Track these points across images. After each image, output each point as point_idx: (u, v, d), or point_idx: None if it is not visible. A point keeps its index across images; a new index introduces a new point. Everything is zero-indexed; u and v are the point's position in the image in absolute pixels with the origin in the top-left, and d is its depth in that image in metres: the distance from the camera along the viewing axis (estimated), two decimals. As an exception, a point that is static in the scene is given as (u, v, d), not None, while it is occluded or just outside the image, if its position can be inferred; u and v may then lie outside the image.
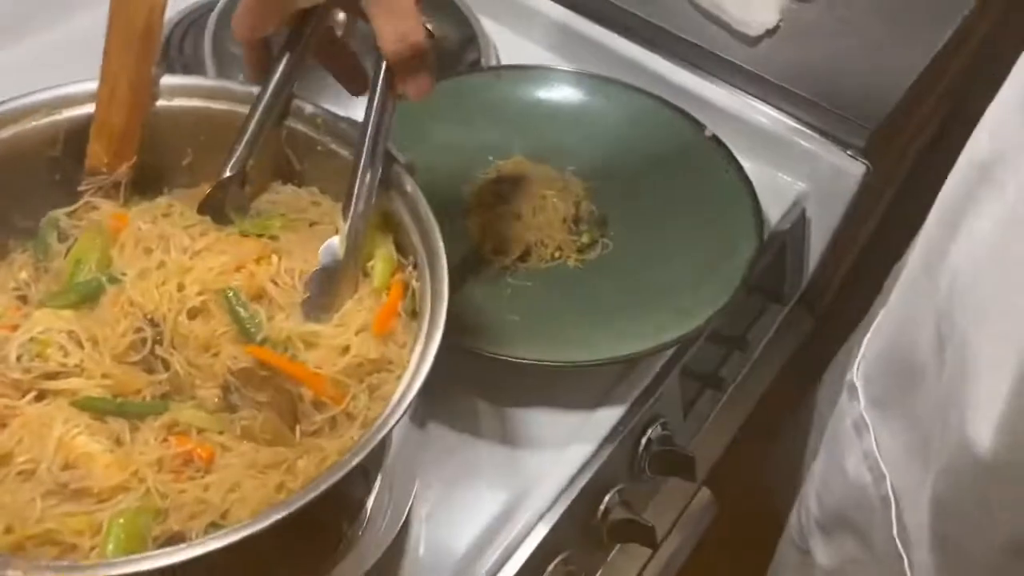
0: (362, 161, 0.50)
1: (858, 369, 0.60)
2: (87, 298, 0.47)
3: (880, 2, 0.82)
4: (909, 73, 0.77)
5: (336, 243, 0.50)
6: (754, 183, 0.74)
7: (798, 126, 0.76)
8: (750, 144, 0.77)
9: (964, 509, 0.45)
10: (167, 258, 0.48)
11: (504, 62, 0.85)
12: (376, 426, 0.42)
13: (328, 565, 0.50)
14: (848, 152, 0.75)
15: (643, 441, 0.64)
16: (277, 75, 0.52)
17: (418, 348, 0.46)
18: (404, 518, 0.55)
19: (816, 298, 0.84)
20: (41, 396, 0.44)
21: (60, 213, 0.51)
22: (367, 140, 0.50)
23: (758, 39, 0.79)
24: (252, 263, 0.49)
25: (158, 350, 0.47)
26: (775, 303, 0.77)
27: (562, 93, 0.77)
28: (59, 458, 0.42)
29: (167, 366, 0.47)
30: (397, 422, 0.42)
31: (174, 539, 0.41)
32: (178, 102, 0.53)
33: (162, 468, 0.44)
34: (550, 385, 0.63)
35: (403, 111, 0.73)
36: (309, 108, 0.54)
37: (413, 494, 0.56)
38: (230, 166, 0.51)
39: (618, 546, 0.66)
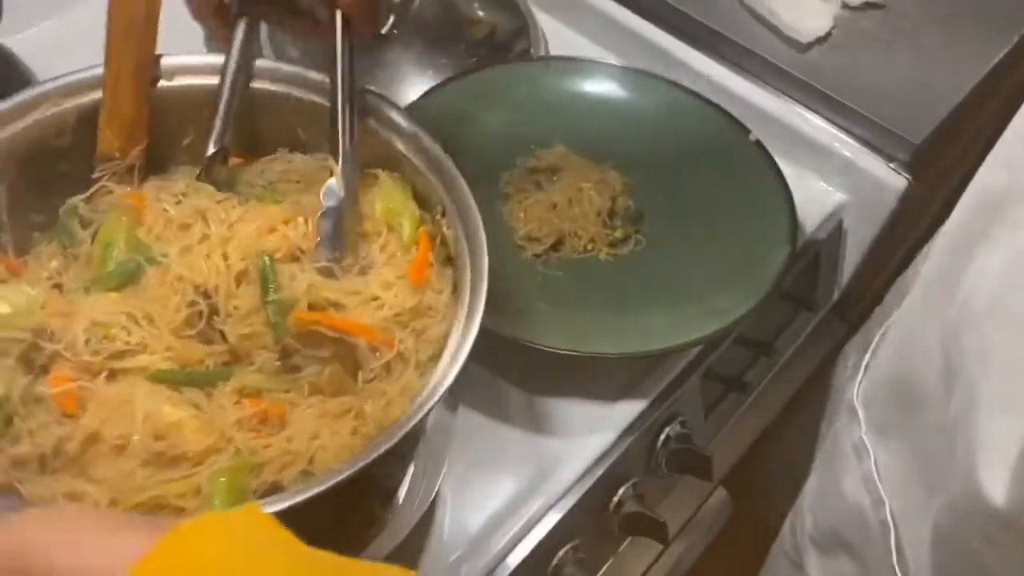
0: (339, 98, 0.51)
1: (858, 391, 0.60)
2: (129, 280, 0.48)
3: (936, 13, 0.81)
4: (961, 87, 0.76)
5: (334, 184, 0.51)
6: (793, 190, 0.75)
7: (842, 135, 0.76)
8: (792, 150, 0.77)
9: (969, 548, 0.44)
10: (208, 231, 0.49)
11: (553, 51, 0.85)
12: (432, 386, 0.44)
13: (364, 541, 0.52)
14: (891, 165, 0.75)
15: (661, 437, 0.65)
16: (237, 42, 0.53)
17: (458, 328, 0.47)
18: (432, 498, 0.57)
19: (849, 308, 0.84)
20: (112, 376, 0.45)
21: (77, 200, 0.51)
22: (339, 78, 0.51)
23: (808, 46, 0.79)
24: (282, 226, 0.50)
25: (215, 321, 0.48)
26: (806, 310, 0.77)
27: (608, 87, 0.77)
28: (149, 429, 0.43)
29: (224, 336, 0.48)
30: (453, 379, 0.44)
31: (272, 489, 0.44)
32: (179, 81, 0.53)
33: (242, 428, 0.46)
34: (574, 374, 0.64)
35: (451, 95, 0.75)
36: (314, 75, 0.54)
37: (442, 475, 0.58)
38: (212, 142, 0.52)
39: (629, 539, 0.67)
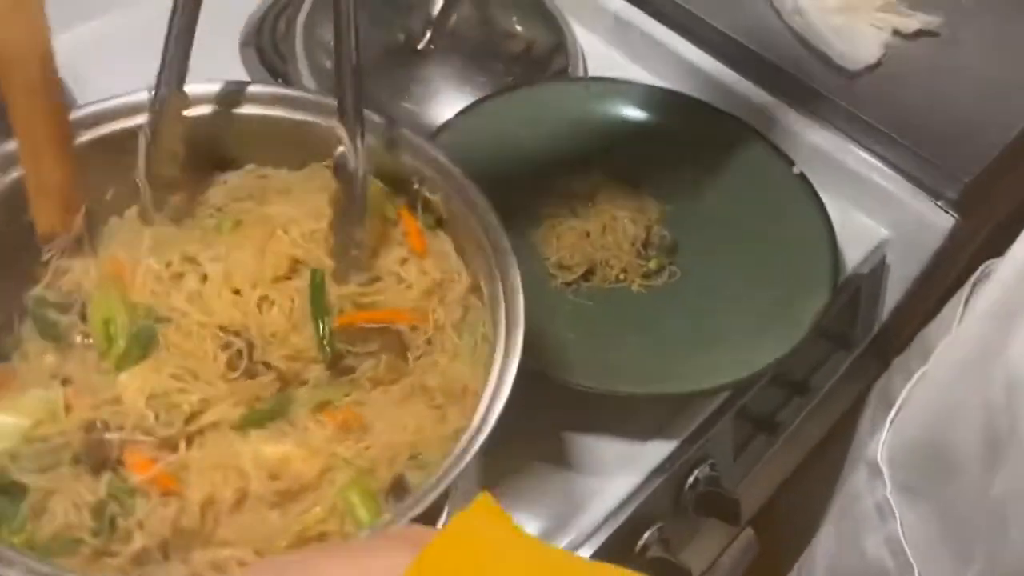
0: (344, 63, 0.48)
1: (883, 448, 0.58)
2: (148, 347, 0.46)
3: (993, 46, 0.78)
4: (1015, 123, 0.74)
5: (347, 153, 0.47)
6: (835, 223, 0.72)
7: (888, 170, 0.73)
8: (836, 182, 0.75)
9: None
10: (205, 270, 0.48)
11: (591, 71, 0.83)
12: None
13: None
14: (938, 203, 0.72)
15: (689, 480, 0.63)
16: None
17: (495, 369, 0.46)
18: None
19: (887, 345, 0.81)
20: (189, 441, 0.44)
21: (39, 290, 0.48)
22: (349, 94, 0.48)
23: (857, 75, 0.76)
24: (268, 244, 0.49)
25: (256, 355, 0.47)
26: (842, 349, 0.75)
27: (648, 110, 0.75)
28: (264, 473, 0.43)
29: (268, 366, 0.47)
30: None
31: (396, 482, 0.44)
32: (88, 136, 0.49)
33: (338, 441, 0.45)
34: (603, 410, 0.62)
35: (487, 114, 0.73)
36: (254, 88, 0.53)
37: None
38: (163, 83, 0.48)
39: (652, 582, 0.65)
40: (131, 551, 0.41)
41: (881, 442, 0.61)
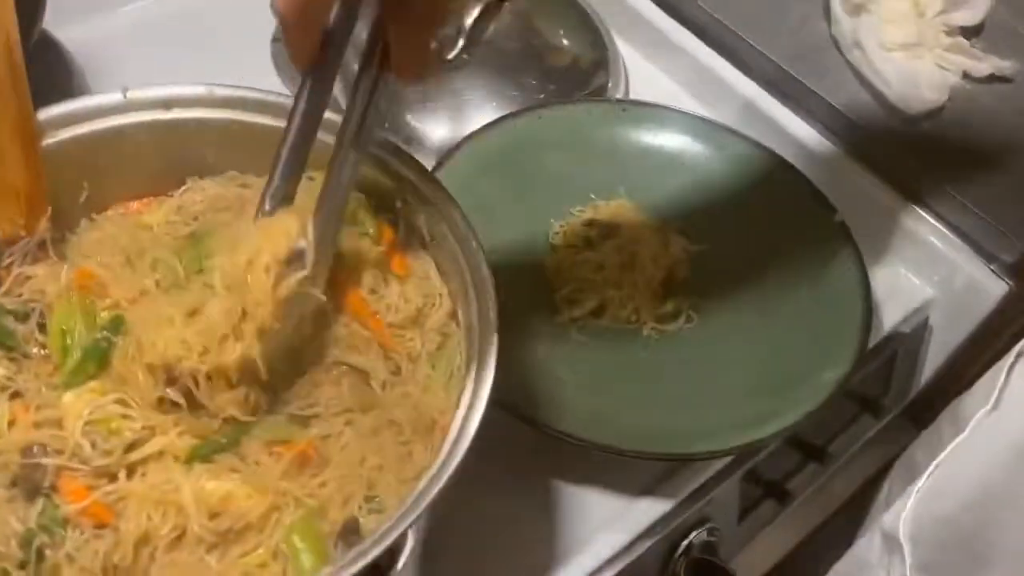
0: (344, 146, 0.44)
1: (904, 523, 0.53)
2: (101, 363, 0.44)
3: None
4: (1087, 187, 0.67)
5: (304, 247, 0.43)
6: (877, 277, 0.67)
7: (939, 225, 0.67)
8: (881, 234, 0.69)
9: None
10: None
11: (633, 89, 0.79)
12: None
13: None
14: (992, 267, 0.66)
15: (683, 544, 0.58)
16: (308, 86, 0.44)
17: (461, 410, 0.42)
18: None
19: (923, 413, 0.75)
20: (131, 471, 0.41)
21: None
22: (352, 123, 0.44)
23: (916, 119, 0.70)
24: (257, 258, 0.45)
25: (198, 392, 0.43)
26: (870, 414, 0.69)
27: (685, 140, 0.70)
28: (203, 511, 0.40)
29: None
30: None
31: (348, 526, 0.41)
32: (61, 135, 0.47)
33: (289, 477, 0.42)
34: (594, 460, 0.57)
35: (513, 129, 0.70)
36: (221, 91, 0.49)
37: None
38: (268, 198, 0.45)
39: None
40: (60, 587, 0.38)
41: (903, 514, 0.57)
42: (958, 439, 0.59)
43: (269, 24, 0.80)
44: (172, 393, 0.43)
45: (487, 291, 0.44)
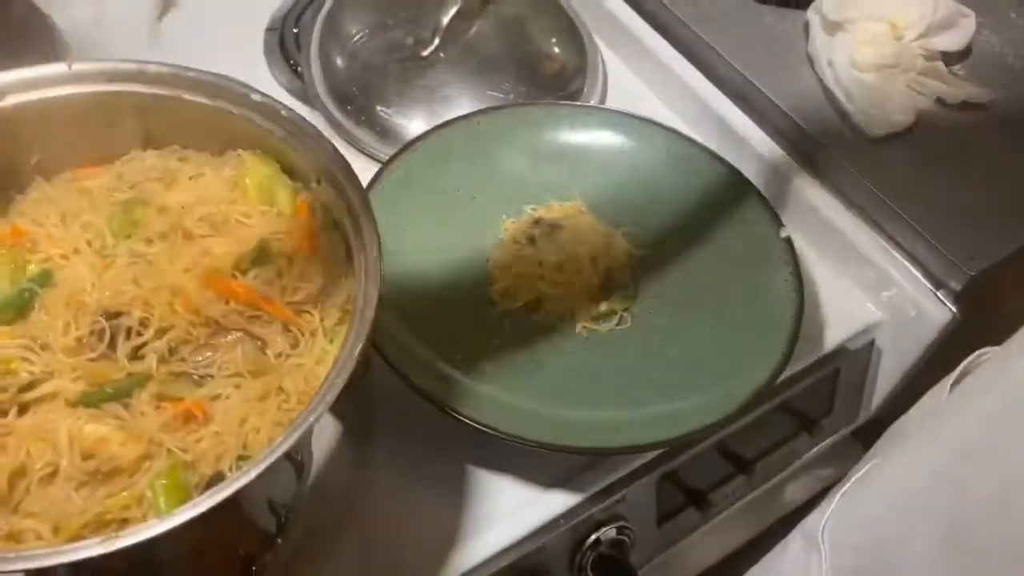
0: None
1: (825, 526, 0.53)
2: (21, 311, 0.47)
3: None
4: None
5: None
6: (825, 295, 0.68)
7: (890, 248, 0.67)
8: (832, 252, 0.70)
9: None
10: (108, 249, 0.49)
11: (611, 96, 0.81)
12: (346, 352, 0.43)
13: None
14: (938, 292, 0.65)
15: (590, 539, 0.59)
16: None
17: (331, 372, 0.44)
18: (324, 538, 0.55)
19: (874, 436, 0.74)
20: (23, 409, 0.45)
21: None
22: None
23: (879, 140, 0.70)
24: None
25: (127, 341, 0.47)
26: (807, 434, 0.69)
27: (649, 149, 0.71)
28: (76, 451, 0.43)
29: (136, 353, 0.47)
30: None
31: (213, 481, 0.43)
32: (10, 100, 0.50)
33: (168, 430, 0.45)
34: (511, 450, 0.59)
35: (476, 131, 0.71)
36: (152, 68, 0.52)
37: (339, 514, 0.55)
38: None
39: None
40: (-63, 506, 0.42)
41: (824, 516, 0.56)
42: (892, 447, 0.58)
43: (263, 14, 0.84)
44: (91, 337, 0.46)
45: (373, 274, 0.46)
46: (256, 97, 0.51)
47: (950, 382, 0.59)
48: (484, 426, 0.55)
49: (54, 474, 0.43)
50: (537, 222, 0.68)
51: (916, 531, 0.50)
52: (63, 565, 0.37)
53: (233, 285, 0.49)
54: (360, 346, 0.43)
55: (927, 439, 0.54)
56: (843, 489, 0.57)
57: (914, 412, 0.63)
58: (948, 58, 0.75)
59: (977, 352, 0.59)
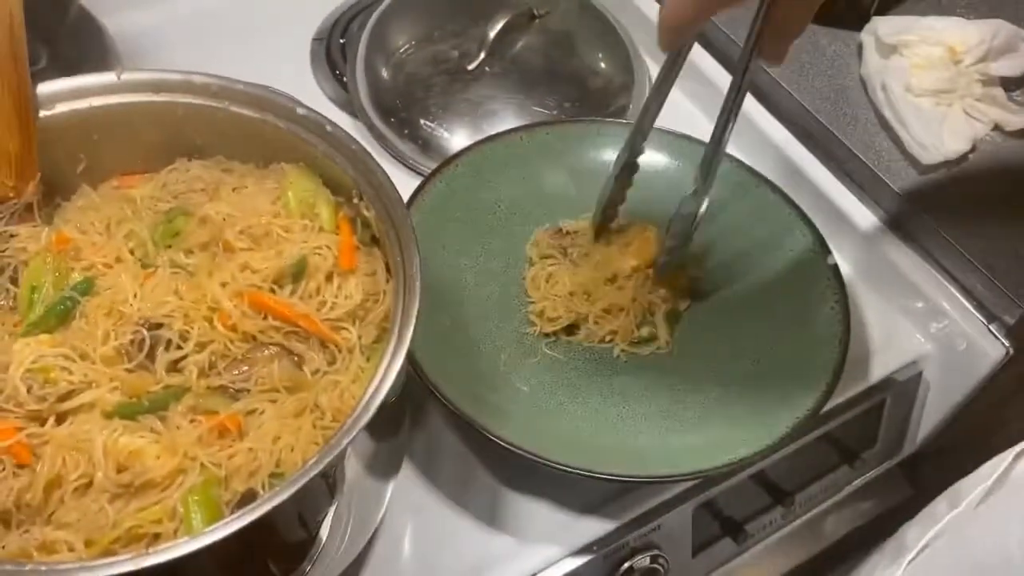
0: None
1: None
2: (63, 319, 0.47)
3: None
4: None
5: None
6: (874, 325, 0.66)
7: (943, 280, 0.65)
8: (882, 281, 0.68)
9: None
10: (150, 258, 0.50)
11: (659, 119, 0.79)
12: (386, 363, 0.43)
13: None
14: (991, 326, 0.63)
15: (623, 567, 0.58)
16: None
17: (366, 394, 0.44)
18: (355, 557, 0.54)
19: (920, 471, 0.72)
20: (60, 419, 0.45)
21: None
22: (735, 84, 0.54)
23: (931, 168, 0.68)
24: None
25: (165, 353, 0.47)
26: (848, 467, 0.67)
27: (693, 169, 0.69)
28: (111, 463, 0.43)
29: (175, 366, 0.47)
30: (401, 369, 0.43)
31: (246, 498, 0.43)
32: (60, 108, 0.51)
33: (203, 444, 0.45)
34: (541, 474, 0.58)
35: (514, 144, 0.70)
36: (199, 79, 0.52)
37: (370, 534, 0.55)
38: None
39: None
40: (-28, 516, 0.42)
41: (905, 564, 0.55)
42: (950, 515, 0.57)
43: (311, 23, 0.84)
44: (130, 347, 0.46)
45: (414, 292, 0.45)
46: (301, 111, 0.51)
47: (1016, 451, 0.57)
48: (519, 449, 0.54)
49: (88, 485, 0.43)
50: (566, 233, 0.67)
51: None
52: (94, 580, 0.36)
53: (270, 301, 0.48)
54: (397, 366, 0.43)
55: (996, 511, 0.53)
56: (908, 558, 0.55)
57: (977, 477, 0.61)
58: (1007, 84, 0.73)
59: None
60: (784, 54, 0.53)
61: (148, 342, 0.47)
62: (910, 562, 0.56)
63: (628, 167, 0.63)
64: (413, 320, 0.44)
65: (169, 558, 0.37)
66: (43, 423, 0.44)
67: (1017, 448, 0.56)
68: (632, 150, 0.62)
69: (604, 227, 0.66)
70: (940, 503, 0.60)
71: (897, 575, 0.56)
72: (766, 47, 0.52)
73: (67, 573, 0.36)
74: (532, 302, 0.64)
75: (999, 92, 0.72)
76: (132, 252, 0.51)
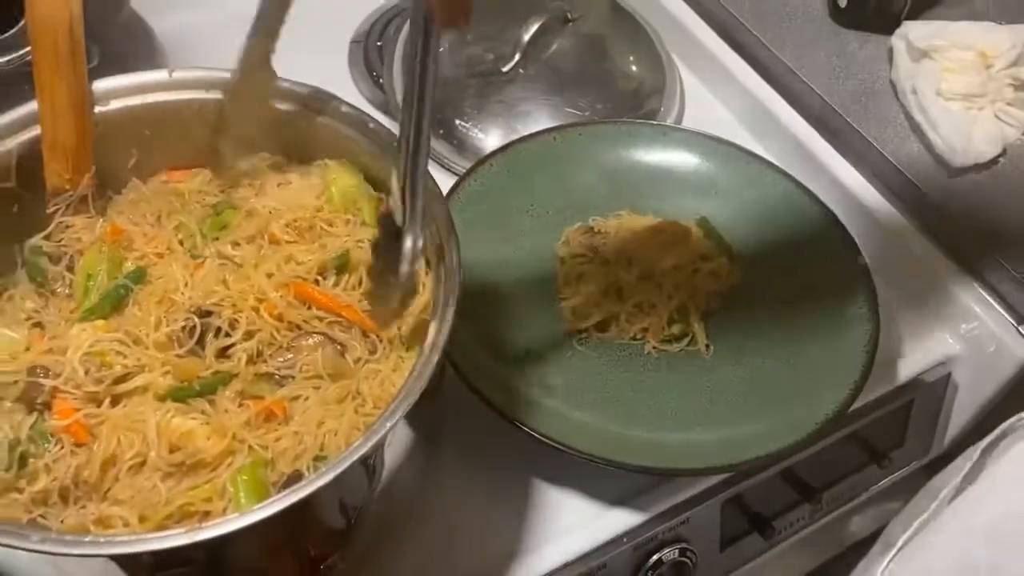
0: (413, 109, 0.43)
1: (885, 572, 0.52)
2: (117, 306, 0.49)
3: None
4: None
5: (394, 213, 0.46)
6: (903, 326, 0.67)
7: (971, 280, 0.66)
8: (910, 282, 0.68)
9: None
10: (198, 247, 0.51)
11: (687, 114, 0.81)
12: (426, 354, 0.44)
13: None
14: (1020, 328, 0.64)
15: (652, 559, 0.59)
16: None
17: (407, 381, 0.45)
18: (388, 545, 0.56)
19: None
20: (116, 401, 0.46)
21: (38, 239, 0.52)
22: (415, 88, 0.43)
23: (961, 171, 0.69)
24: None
25: (215, 340, 0.48)
26: (876, 466, 0.67)
27: (722, 169, 0.71)
28: (164, 443, 0.45)
29: (224, 352, 0.49)
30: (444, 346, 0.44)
31: (291, 479, 0.45)
32: (114, 104, 0.53)
33: (251, 427, 0.47)
34: (572, 465, 0.59)
35: (551, 147, 0.72)
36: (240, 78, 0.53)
37: (406, 521, 0.56)
38: None
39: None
40: (34, 490, 0.44)
41: (885, 563, 0.56)
42: (922, 517, 0.58)
43: (349, 26, 0.86)
44: (182, 334, 0.48)
45: (453, 284, 0.46)
46: (345, 108, 0.53)
47: (987, 442, 0.58)
48: (551, 440, 0.56)
49: (142, 464, 0.45)
50: (596, 232, 0.68)
51: None
52: (149, 553, 0.38)
53: (315, 292, 0.50)
54: (437, 356, 0.44)
55: (965, 512, 0.54)
56: (887, 558, 0.56)
57: (952, 472, 0.62)
58: (1039, 88, 0.73)
59: (1016, 416, 0.58)
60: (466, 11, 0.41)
61: (199, 329, 0.48)
62: (891, 560, 0.57)
63: None
64: (452, 310, 0.46)
65: (220, 533, 0.38)
66: (99, 404, 0.46)
67: (983, 443, 0.56)
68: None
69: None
70: (921, 500, 0.60)
71: (879, 572, 0.57)
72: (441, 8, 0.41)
73: (125, 544, 0.38)
74: (564, 299, 0.65)
75: (1030, 95, 0.72)
76: (181, 243, 0.53)
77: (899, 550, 0.54)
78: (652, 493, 0.60)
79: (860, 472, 0.68)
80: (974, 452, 0.54)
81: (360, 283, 0.52)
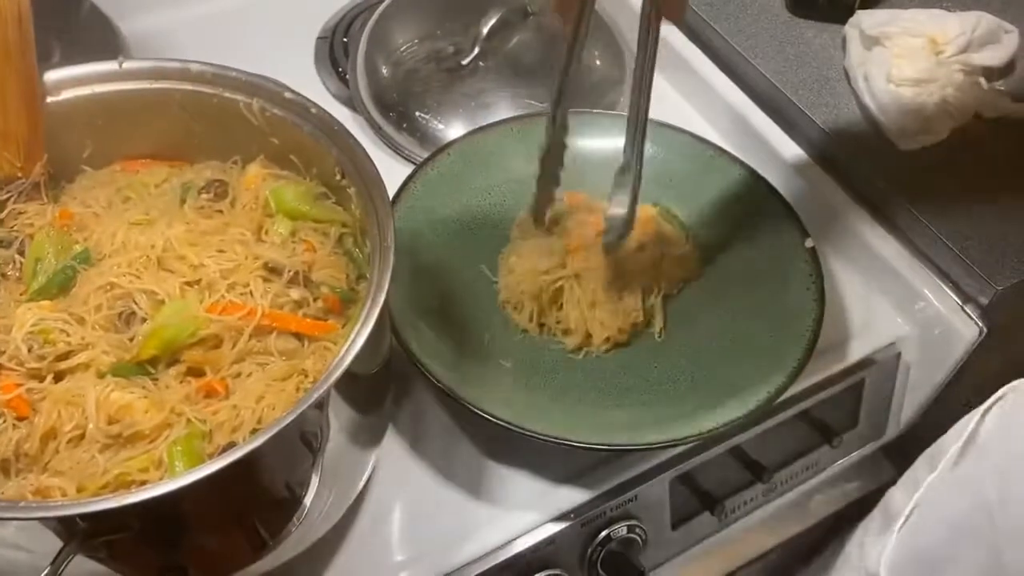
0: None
1: (885, 564, 0.54)
2: (63, 287, 0.51)
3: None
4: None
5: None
6: (853, 308, 0.68)
7: (916, 261, 0.67)
8: (860, 263, 0.70)
9: None
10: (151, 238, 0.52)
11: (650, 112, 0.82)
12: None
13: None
14: (966, 307, 0.65)
15: (600, 535, 0.60)
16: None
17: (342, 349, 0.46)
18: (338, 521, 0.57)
19: (903, 452, 0.73)
20: (58, 377, 0.48)
21: None
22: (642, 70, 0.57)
23: (911, 154, 0.70)
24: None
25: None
26: (829, 446, 0.68)
27: (678, 158, 0.72)
28: (102, 416, 0.46)
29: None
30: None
31: (226, 450, 0.45)
32: (67, 95, 0.54)
33: (190, 401, 0.48)
34: (525, 445, 0.60)
35: (510, 138, 0.73)
36: (195, 67, 0.55)
37: (353, 497, 0.57)
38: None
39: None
40: (-25, 463, 0.45)
41: (884, 554, 0.57)
42: (930, 478, 0.59)
43: (315, 23, 0.88)
44: (118, 320, 0.49)
45: (386, 264, 0.47)
46: (288, 95, 0.54)
47: (985, 407, 0.59)
48: (498, 420, 0.57)
49: (81, 437, 0.46)
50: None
51: (961, 556, 0.50)
52: (79, 515, 0.39)
53: (243, 311, 0.50)
54: (370, 326, 0.45)
55: (971, 469, 0.55)
56: (898, 524, 0.57)
57: (949, 438, 0.63)
58: (990, 73, 0.74)
59: (1010, 384, 0.59)
60: (684, 6, 0.54)
61: (140, 316, 0.49)
62: (900, 528, 0.58)
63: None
64: (386, 285, 0.47)
65: (149, 496, 0.40)
66: (42, 380, 0.47)
67: (982, 408, 0.57)
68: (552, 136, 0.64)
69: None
70: (920, 467, 0.61)
71: (891, 541, 0.58)
72: (665, 5, 0.53)
73: (55, 509, 0.39)
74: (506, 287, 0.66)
75: (980, 82, 0.73)
76: (130, 228, 0.54)
77: (907, 517, 0.55)
78: (600, 471, 0.61)
79: (812, 452, 0.69)
80: (974, 416, 0.55)
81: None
